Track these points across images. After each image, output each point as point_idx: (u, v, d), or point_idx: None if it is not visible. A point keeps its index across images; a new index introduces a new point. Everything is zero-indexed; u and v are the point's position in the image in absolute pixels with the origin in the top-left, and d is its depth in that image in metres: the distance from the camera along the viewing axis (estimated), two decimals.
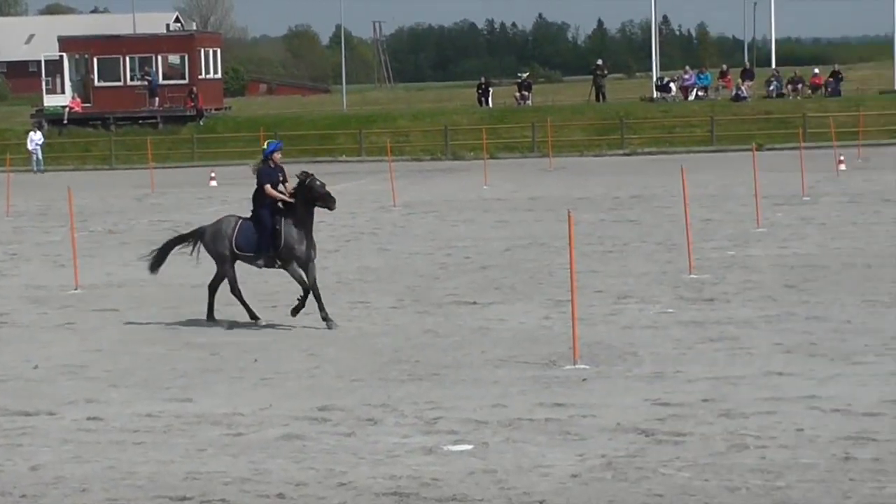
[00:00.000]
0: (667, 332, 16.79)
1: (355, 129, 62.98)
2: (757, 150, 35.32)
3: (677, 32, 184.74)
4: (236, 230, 18.11)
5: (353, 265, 24.57)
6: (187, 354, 16.46)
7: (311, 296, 17.84)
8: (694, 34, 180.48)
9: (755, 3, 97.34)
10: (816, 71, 68.30)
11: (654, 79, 69.45)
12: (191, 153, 62.85)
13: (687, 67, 70.99)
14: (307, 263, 17.84)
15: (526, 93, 69.75)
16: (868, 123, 55.64)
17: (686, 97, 65.79)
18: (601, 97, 67.80)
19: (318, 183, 17.79)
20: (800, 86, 64.95)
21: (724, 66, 72.14)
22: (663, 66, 76.60)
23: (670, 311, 18.43)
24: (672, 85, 67.34)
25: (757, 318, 17.48)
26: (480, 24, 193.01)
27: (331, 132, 63.82)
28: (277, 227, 17.75)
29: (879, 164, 44.61)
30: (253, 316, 18.24)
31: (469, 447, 11.57)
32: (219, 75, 73.51)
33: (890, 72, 69.52)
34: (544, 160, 53.15)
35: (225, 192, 42.50)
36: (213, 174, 49.28)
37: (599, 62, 71.19)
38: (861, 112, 56.66)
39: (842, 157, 43.15)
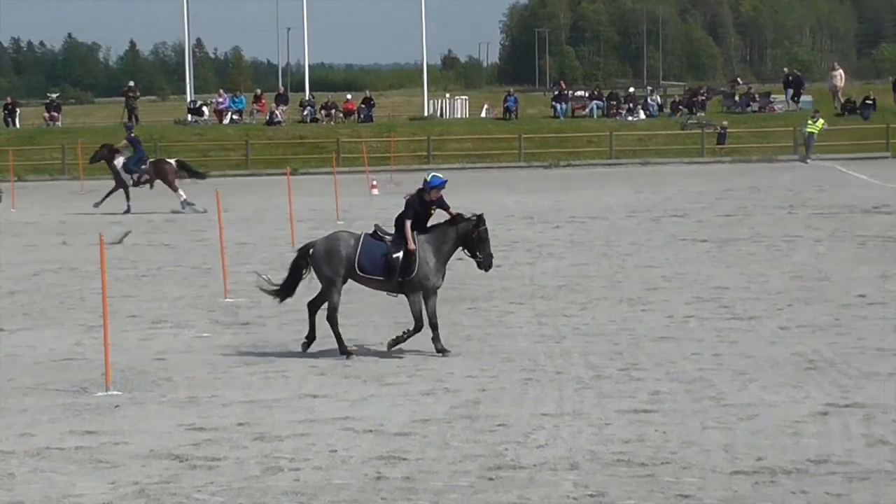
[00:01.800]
0: (202, 357, 16.62)
1: None
2: (291, 174, 35.64)
3: (212, 55, 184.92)
4: (359, 250, 16.26)
5: None
6: None
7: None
8: (229, 58, 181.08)
9: (289, 29, 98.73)
10: (349, 97, 69.80)
11: (188, 102, 69.13)
12: None
13: (221, 91, 71.02)
14: (431, 295, 16.33)
15: (56, 114, 68.00)
16: (399, 149, 57.30)
17: (220, 121, 65.78)
18: (134, 119, 66.89)
19: (488, 234, 16.45)
20: (333, 111, 66.15)
21: (259, 91, 72.72)
22: (197, 90, 76.53)
23: (206, 335, 18.27)
24: (205, 108, 67.21)
25: (292, 341, 17.54)
26: (6, 42, 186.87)
27: None
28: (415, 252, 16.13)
29: (411, 188, 45.94)
30: (344, 350, 16.31)
31: None
32: None
33: (419, 98, 71.96)
34: (75, 183, 51.85)
35: None
36: None
37: (131, 84, 70.14)
38: (392, 137, 58.29)
39: (374, 182, 44.23)
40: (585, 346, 16.67)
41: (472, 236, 16.29)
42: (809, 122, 53.77)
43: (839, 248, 25.96)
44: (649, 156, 55.77)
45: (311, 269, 16.62)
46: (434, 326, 16.31)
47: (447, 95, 75.75)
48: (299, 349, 16.69)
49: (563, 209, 35.76)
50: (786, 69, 77.36)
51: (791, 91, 65.69)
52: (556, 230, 30.85)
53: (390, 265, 16.10)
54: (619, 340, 17.04)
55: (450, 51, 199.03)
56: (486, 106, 70.68)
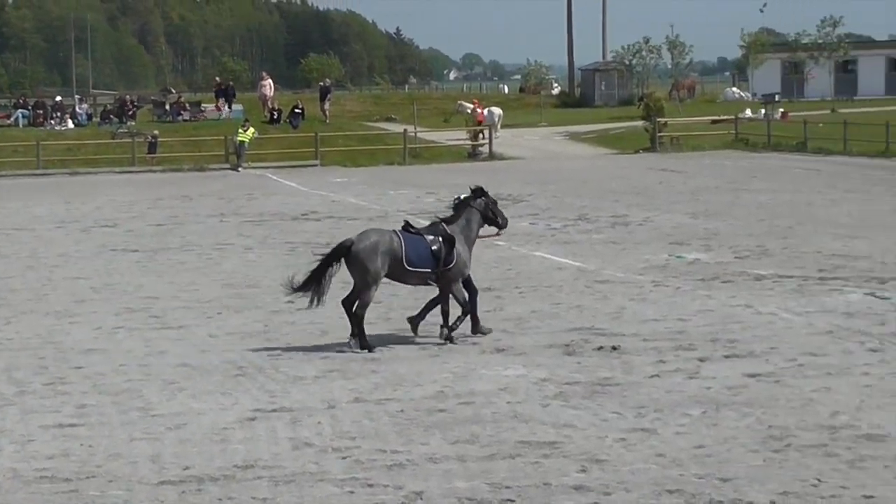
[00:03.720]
0: None
1: None
2: None
3: None
4: (404, 246, 16.26)
5: None
6: None
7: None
8: None
9: None
10: None
11: None
12: None
13: None
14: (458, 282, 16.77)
15: None
16: None
17: None
18: None
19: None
20: None
21: None
22: None
23: None
24: None
25: None
26: None
27: None
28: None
29: None
30: (366, 345, 16.30)
31: None
32: None
33: None
34: None
35: None
36: None
37: None
38: None
39: None
40: (9, 362, 16.06)
41: (489, 208, 17.08)
42: (240, 130, 54.45)
43: (269, 256, 26.36)
44: (78, 165, 54.65)
45: (346, 267, 16.44)
46: (447, 314, 16.73)
47: None
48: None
49: None
50: (218, 79, 78.06)
51: (223, 99, 66.49)
52: None
53: (436, 257, 16.48)
54: (45, 354, 16.53)
55: None
56: None
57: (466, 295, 16.91)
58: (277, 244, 28.21)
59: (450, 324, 16.73)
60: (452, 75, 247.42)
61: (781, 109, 67.94)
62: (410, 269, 16.45)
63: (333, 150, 56.26)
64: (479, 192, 17.11)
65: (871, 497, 10.14)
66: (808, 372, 14.51)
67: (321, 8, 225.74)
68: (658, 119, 58.12)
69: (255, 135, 54.97)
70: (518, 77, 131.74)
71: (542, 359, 15.61)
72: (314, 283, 16.53)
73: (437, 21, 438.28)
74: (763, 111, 67.15)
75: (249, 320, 18.92)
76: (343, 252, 16.36)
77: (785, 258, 23.86)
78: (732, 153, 54.48)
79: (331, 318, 18.67)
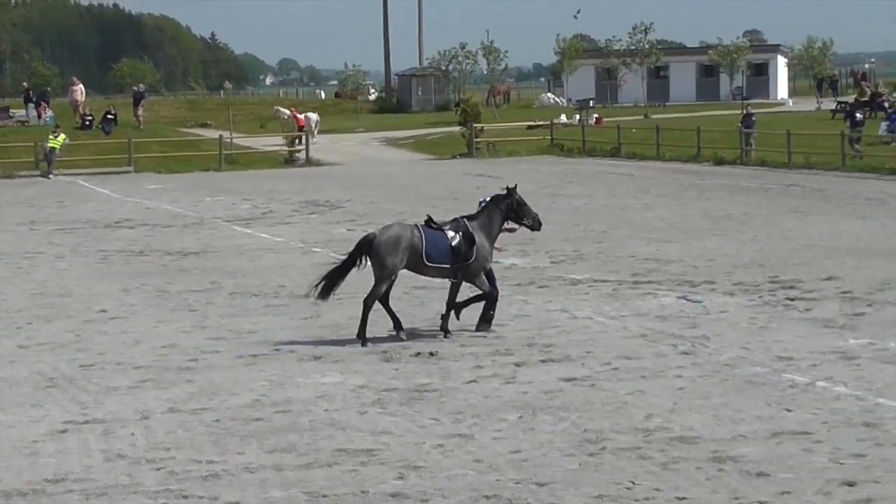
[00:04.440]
0: None
1: None
2: None
3: None
4: (424, 240, 16.70)
5: None
6: None
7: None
8: None
9: None
10: None
11: None
12: None
13: None
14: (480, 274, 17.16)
15: None
16: None
17: None
18: None
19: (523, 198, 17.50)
20: None
21: None
22: None
23: None
24: None
25: None
26: None
27: None
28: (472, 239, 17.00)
29: None
30: (363, 335, 16.72)
31: None
32: None
33: None
34: None
35: None
36: None
37: None
38: None
39: None
40: None
41: (513, 208, 17.42)
42: (51, 136, 53.32)
43: (81, 264, 25.85)
44: None
45: (369, 260, 16.81)
46: (456, 309, 17.28)
47: None
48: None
49: None
50: (25, 84, 76.50)
51: (45, 103, 65.27)
52: None
53: (455, 253, 16.89)
54: None
55: None
56: None
57: (488, 286, 17.38)
58: (90, 252, 27.67)
59: (485, 317, 17.37)
60: (269, 80, 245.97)
61: (596, 115, 69.02)
62: (429, 263, 17.02)
63: (147, 157, 55.43)
64: (508, 193, 17.60)
65: (684, 499, 10.30)
66: (622, 375, 14.71)
67: (133, 12, 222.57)
68: (475, 125, 58.52)
69: (67, 141, 53.87)
70: (335, 83, 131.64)
71: (359, 365, 15.56)
72: (337, 279, 17.04)
73: (253, 26, 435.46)
74: (578, 117, 68.12)
75: (61, 330, 18.51)
76: (366, 245, 16.84)
77: (600, 262, 24.20)
78: (548, 158, 55.13)
79: (144, 328, 18.38)
